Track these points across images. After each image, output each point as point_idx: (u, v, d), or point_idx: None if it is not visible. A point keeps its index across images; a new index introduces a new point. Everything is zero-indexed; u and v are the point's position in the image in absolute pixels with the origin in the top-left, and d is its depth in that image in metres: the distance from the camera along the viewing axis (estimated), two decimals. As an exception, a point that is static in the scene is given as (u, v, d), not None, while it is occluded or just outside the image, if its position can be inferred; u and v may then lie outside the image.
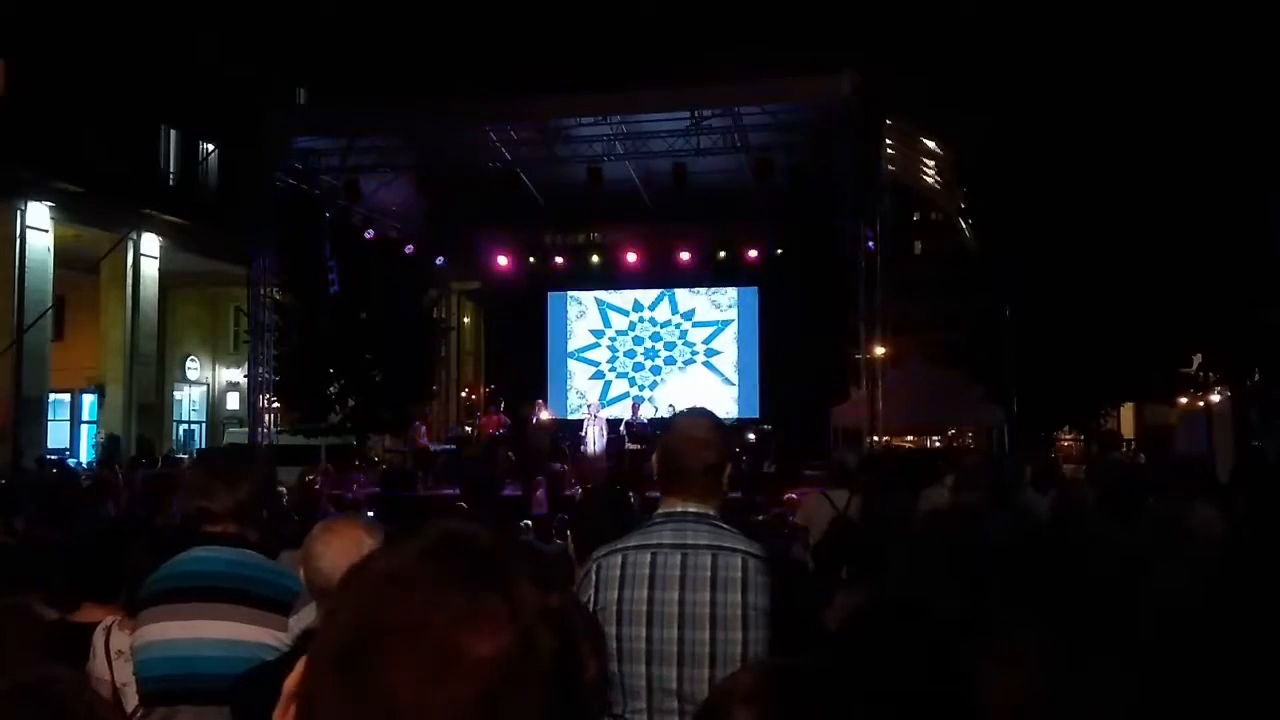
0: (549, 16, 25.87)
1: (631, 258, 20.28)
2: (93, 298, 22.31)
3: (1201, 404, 23.56)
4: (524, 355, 21.75)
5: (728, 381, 21.39)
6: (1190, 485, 5.32)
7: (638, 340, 21.87)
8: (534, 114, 16.67)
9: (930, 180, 18.84)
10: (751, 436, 17.37)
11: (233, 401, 28.03)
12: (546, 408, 18.61)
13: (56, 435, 22.49)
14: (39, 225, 19.42)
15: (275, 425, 18.54)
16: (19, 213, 19.03)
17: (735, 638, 2.42)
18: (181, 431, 27.10)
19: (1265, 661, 2.36)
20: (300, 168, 17.97)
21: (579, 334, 22.14)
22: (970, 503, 4.90)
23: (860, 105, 14.79)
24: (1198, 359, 23.87)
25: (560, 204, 19.35)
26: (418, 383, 20.32)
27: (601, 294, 21.96)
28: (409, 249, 20.00)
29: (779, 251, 19.82)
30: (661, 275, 20.94)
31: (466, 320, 26.30)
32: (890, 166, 16.29)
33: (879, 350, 16.00)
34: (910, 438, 21.63)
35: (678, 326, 21.72)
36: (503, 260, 21.41)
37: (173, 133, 23.88)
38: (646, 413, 18.12)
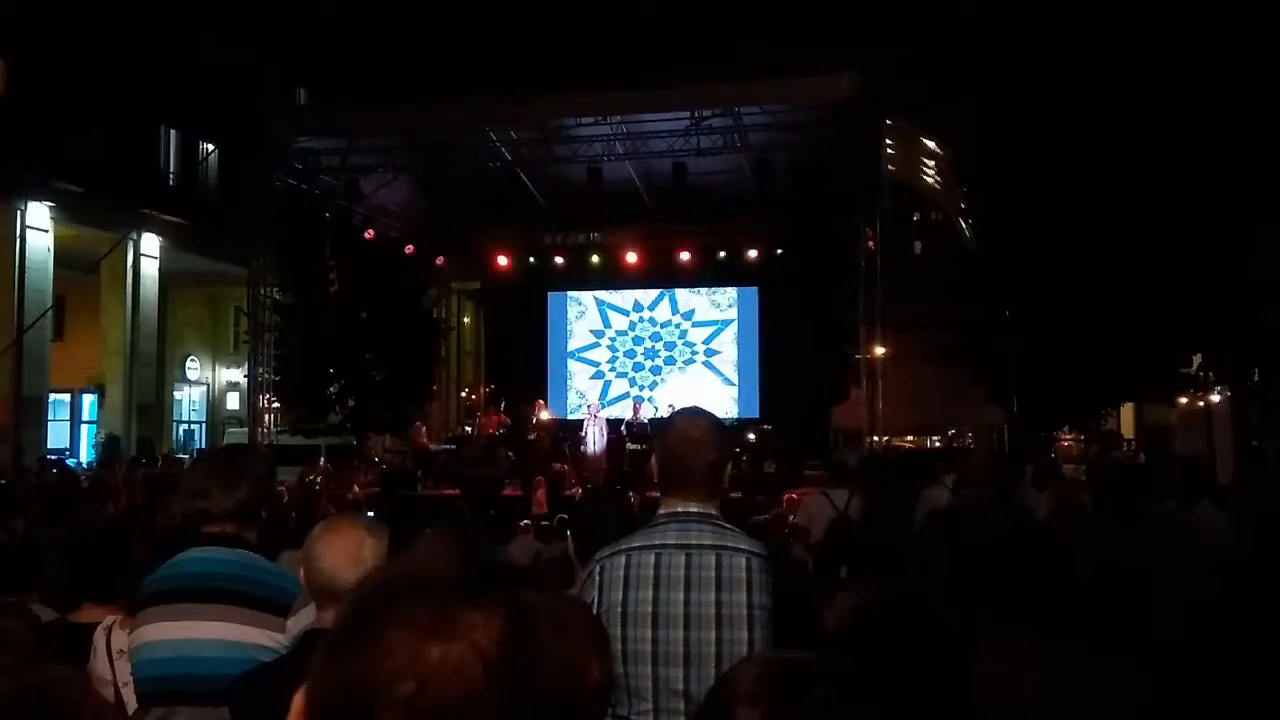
0: (549, 16, 25.87)
1: (631, 258, 20.28)
2: (93, 298, 22.30)
3: (1201, 404, 23.55)
4: (524, 355, 21.75)
5: (728, 381, 21.39)
6: (1191, 485, 5.33)
7: (638, 340, 21.87)
8: (534, 114, 16.67)
9: (930, 180, 18.82)
10: (751, 436, 17.35)
11: (233, 401, 28.01)
12: (546, 408, 18.61)
13: (56, 435, 22.48)
14: (39, 225, 19.41)
15: (275, 425, 18.54)
16: (19, 213, 19.02)
17: (741, 638, 2.42)
18: (181, 431, 27.09)
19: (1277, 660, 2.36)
20: (300, 168, 17.98)
21: (579, 334, 22.15)
22: (970, 503, 4.91)
23: (860, 105, 14.79)
24: (1198, 359, 23.86)
25: (560, 204, 19.36)
26: (418, 383, 20.32)
27: (601, 294, 21.96)
28: (409, 249, 20.00)
29: (779, 251, 19.82)
30: (661, 275, 20.94)
31: (466, 320, 26.30)
32: (890, 166, 16.29)
33: (879, 350, 16.00)
34: (910, 438, 21.59)
35: (678, 326, 21.72)
36: (503, 260, 21.42)
37: (173, 133, 23.88)
38: (647, 413, 18.13)
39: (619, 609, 2.48)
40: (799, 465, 15.73)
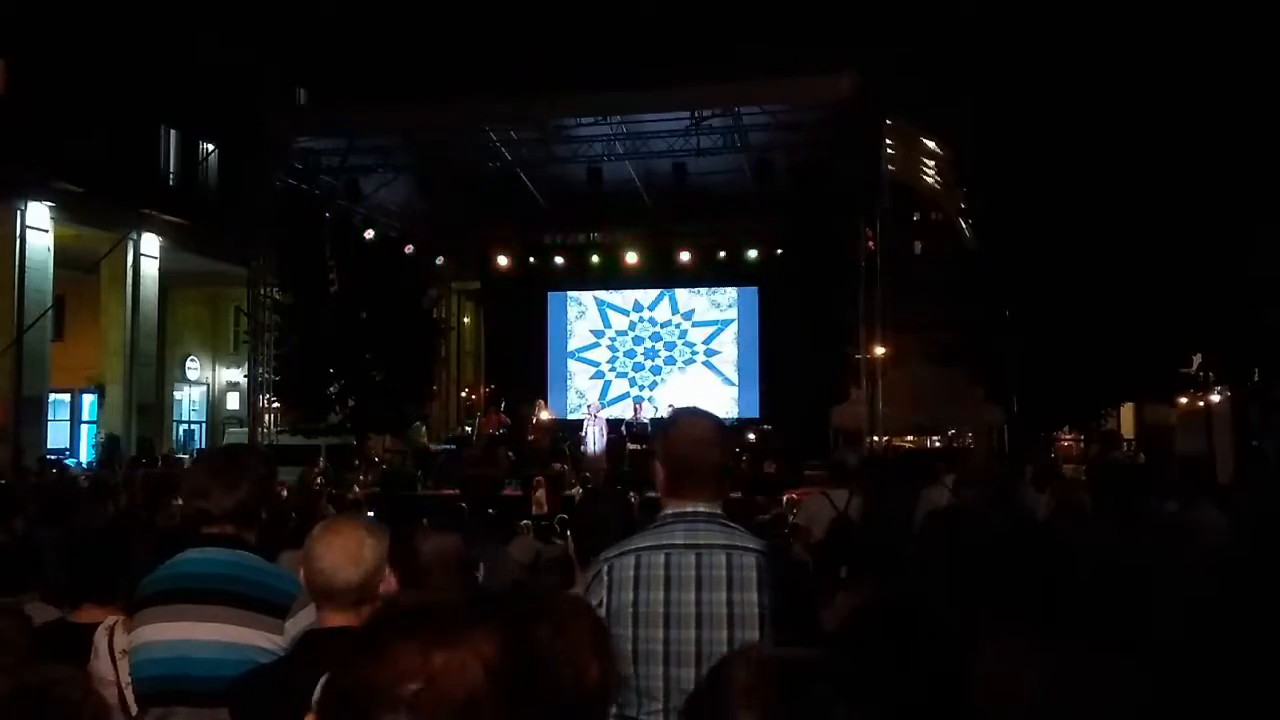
0: (549, 16, 25.85)
1: (631, 258, 20.29)
2: (93, 298, 22.30)
3: (1201, 404, 23.55)
4: (524, 355, 21.75)
5: (728, 381, 21.39)
6: (1191, 485, 5.33)
7: (638, 340, 21.87)
8: (534, 114, 16.67)
9: (930, 180, 18.82)
10: (751, 436, 17.36)
11: (233, 401, 28.00)
12: (547, 407, 18.61)
13: (56, 435, 22.48)
14: (39, 225, 19.40)
15: (275, 425, 18.54)
16: (19, 213, 19.01)
17: (753, 637, 2.42)
18: (181, 431, 27.08)
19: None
20: (300, 168, 18.00)
21: (579, 334, 22.15)
22: (970, 503, 4.91)
23: (860, 105, 14.80)
24: (1198, 359, 23.86)
25: (560, 204, 19.36)
26: (418, 383, 20.33)
27: (601, 294, 21.96)
28: (409, 249, 20.00)
29: (779, 251, 19.83)
30: (661, 275, 20.95)
31: (466, 320, 26.31)
32: (890, 166, 16.29)
33: (879, 350, 16.00)
34: (910, 438, 21.59)
35: (678, 326, 21.73)
36: (503, 260, 21.42)
37: (173, 133, 23.87)
38: (647, 413, 18.14)
39: (630, 609, 2.47)
40: (799, 465, 15.73)
